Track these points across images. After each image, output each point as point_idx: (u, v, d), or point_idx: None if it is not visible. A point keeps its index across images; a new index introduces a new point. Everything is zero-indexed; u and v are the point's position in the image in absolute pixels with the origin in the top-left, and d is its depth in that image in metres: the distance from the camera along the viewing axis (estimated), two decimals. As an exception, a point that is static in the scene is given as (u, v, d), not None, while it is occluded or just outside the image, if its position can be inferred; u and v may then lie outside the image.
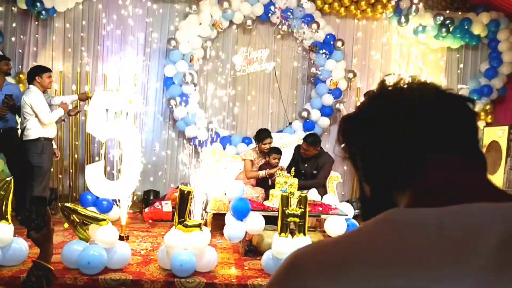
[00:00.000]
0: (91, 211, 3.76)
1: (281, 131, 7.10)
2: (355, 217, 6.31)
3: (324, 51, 6.94)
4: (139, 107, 5.85)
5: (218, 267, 3.87)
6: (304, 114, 6.99)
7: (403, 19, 7.05)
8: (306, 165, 5.34)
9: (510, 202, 0.63)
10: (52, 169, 5.87)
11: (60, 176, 6.79)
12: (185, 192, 3.71)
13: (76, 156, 6.85)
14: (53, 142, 5.43)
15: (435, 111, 0.71)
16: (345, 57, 7.19)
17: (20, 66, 6.83)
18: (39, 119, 4.98)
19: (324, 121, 7.05)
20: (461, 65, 7.48)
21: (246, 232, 4.18)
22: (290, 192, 3.92)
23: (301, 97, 7.43)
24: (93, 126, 5.49)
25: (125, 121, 6.10)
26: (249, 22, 6.97)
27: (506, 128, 5.24)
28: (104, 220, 3.64)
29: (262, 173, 5.14)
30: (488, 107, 7.14)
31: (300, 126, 7.03)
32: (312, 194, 4.99)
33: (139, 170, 5.67)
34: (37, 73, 5.09)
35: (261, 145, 5.34)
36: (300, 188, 5.15)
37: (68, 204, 3.62)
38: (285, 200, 3.79)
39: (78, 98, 5.79)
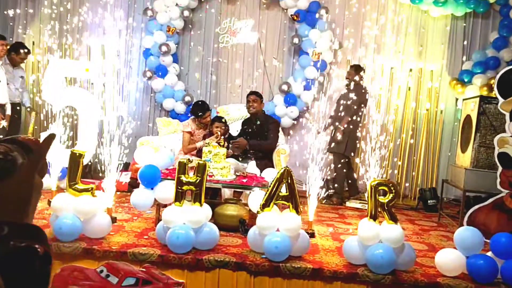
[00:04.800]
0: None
1: (263, 105, 6.78)
2: (328, 196, 5.94)
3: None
4: (96, 76, 5.77)
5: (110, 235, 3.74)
6: (285, 87, 6.60)
7: (398, -16, 6.43)
8: (254, 126, 5.13)
9: None
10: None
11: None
12: (77, 154, 3.60)
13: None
14: (7, 107, 5.47)
15: None
16: (334, 27, 6.69)
17: (11, 39, 7.05)
18: None
19: (307, 95, 6.61)
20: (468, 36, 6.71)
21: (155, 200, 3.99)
22: (188, 159, 3.67)
23: (287, 70, 7.04)
24: (48, 93, 5.56)
25: (80, 89, 6.10)
26: (230, -10, 6.69)
27: (477, 100, 4.57)
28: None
29: (199, 144, 4.90)
30: (492, 81, 6.32)
31: (281, 100, 6.66)
32: (251, 167, 4.71)
33: (95, 138, 5.68)
34: None
35: (200, 120, 5.08)
36: (255, 149, 4.96)
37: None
38: (182, 167, 3.56)
39: None
